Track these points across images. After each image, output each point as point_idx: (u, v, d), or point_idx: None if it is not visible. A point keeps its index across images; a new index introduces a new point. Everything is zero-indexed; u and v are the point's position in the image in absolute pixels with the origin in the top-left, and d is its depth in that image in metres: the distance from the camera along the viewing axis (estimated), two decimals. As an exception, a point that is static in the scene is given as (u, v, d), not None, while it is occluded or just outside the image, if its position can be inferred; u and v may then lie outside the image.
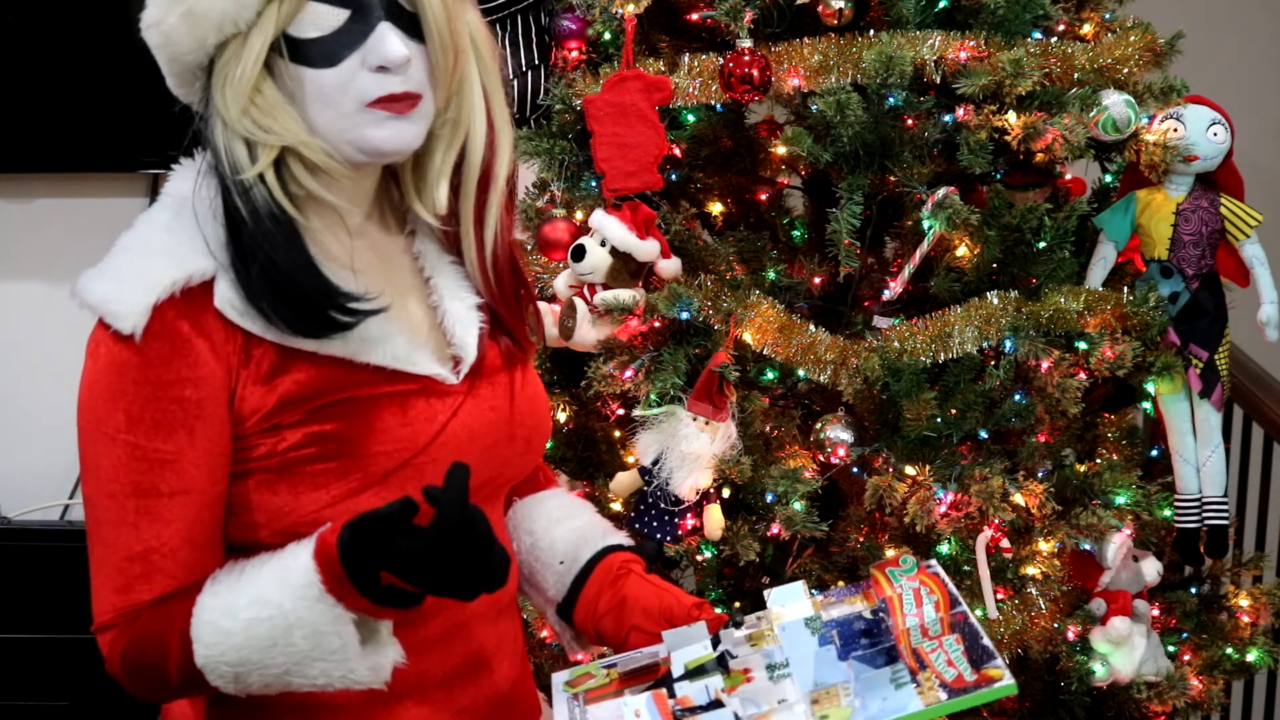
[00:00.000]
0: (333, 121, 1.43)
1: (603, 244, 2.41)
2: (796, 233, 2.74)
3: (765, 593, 1.57)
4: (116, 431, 1.41)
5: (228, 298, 1.42)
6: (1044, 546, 2.48)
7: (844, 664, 1.47)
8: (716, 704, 1.45)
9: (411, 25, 1.45)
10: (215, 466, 1.43)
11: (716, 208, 2.73)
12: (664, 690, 1.47)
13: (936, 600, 1.49)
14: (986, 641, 1.45)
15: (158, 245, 1.44)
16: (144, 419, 1.40)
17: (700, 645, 1.50)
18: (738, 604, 2.45)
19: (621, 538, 1.73)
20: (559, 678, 1.59)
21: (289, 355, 1.44)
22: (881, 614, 1.50)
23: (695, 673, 1.48)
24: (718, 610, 1.62)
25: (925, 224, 2.41)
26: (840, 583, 2.44)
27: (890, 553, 2.46)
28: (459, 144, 1.53)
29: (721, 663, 1.50)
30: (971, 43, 2.41)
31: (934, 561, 1.56)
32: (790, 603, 1.55)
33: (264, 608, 1.37)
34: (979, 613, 2.47)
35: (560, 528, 1.71)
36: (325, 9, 1.41)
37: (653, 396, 2.35)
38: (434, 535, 1.27)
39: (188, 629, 1.39)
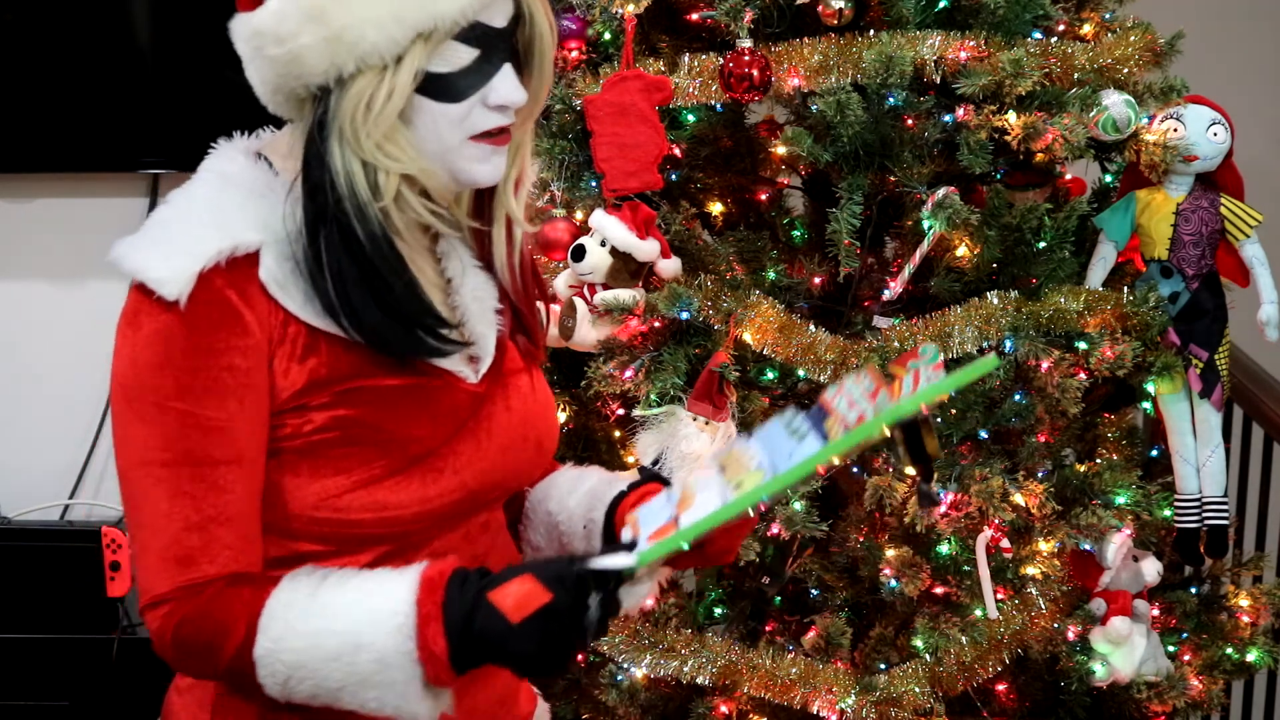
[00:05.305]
0: (437, 150, 1.45)
1: (603, 244, 2.41)
2: (796, 233, 2.74)
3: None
4: (166, 399, 1.39)
5: (271, 272, 1.42)
6: (1044, 546, 2.48)
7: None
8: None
9: (518, 62, 1.48)
10: (261, 438, 1.43)
11: (716, 208, 2.73)
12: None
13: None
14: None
15: (200, 217, 1.44)
16: (194, 386, 1.39)
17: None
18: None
19: (628, 479, 1.72)
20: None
21: (318, 336, 1.44)
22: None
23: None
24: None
25: (925, 224, 2.41)
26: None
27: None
28: (520, 162, 1.56)
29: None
30: (971, 43, 2.41)
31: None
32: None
33: (338, 620, 1.37)
34: (979, 613, 2.47)
35: (573, 497, 1.71)
36: (460, 47, 1.42)
37: (653, 396, 2.35)
38: (543, 645, 1.35)
39: (256, 617, 1.38)
